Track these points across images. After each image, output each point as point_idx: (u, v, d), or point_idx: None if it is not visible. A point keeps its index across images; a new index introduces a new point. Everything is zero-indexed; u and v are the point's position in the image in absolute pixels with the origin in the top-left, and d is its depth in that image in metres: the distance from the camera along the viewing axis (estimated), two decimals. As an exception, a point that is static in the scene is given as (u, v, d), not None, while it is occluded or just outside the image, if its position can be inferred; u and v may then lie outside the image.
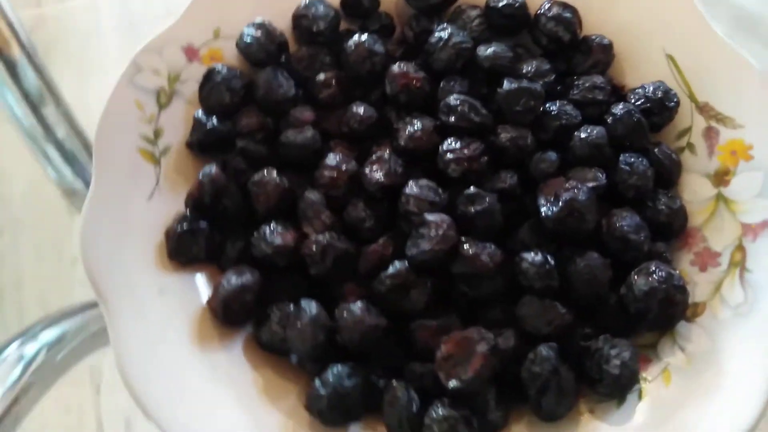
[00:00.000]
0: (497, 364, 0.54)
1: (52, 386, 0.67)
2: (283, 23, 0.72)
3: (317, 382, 0.54)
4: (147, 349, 0.57)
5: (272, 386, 0.59)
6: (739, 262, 0.59)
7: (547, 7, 0.70)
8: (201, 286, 0.63)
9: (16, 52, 0.83)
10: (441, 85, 0.67)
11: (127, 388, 0.55)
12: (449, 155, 0.61)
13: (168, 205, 0.65)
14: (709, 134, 0.65)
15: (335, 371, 0.54)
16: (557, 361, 0.54)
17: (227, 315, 0.59)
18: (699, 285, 0.60)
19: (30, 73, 0.85)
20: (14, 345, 0.64)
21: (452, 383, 0.53)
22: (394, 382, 0.55)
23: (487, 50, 0.67)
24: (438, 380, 0.54)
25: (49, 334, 0.68)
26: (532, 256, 0.56)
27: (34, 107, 0.86)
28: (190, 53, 0.71)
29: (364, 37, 0.69)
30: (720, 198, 0.63)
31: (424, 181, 0.61)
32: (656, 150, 0.64)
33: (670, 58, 0.68)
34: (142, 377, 0.55)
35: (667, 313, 0.56)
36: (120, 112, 0.67)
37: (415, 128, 0.64)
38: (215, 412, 0.55)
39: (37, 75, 0.86)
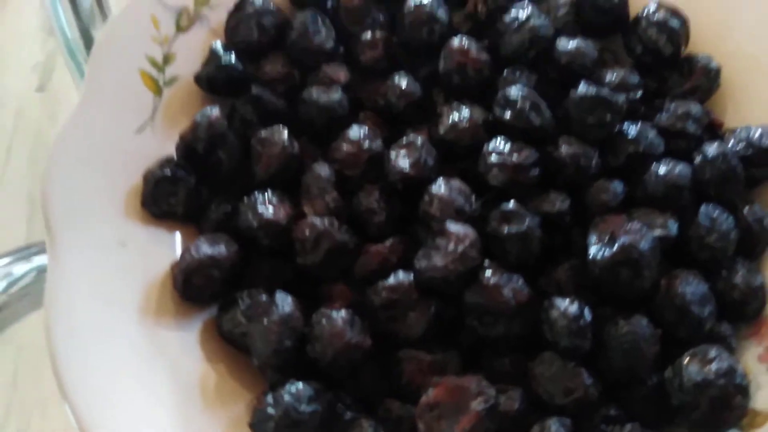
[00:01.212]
0: (493, 430, 0.43)
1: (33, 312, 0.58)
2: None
3: (268, 398, 0.44)
4: (84, 308, 0.47)
5: (223, 386, 0.49)
6: (822, 370, 0.47)
7: (651, 10, 0.58)
8: (173, 247, 0.54)
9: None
10: (504, 73, 0.56)
11: (48, 351, 0.45)
12: (493, 158, 0.50)
13: (158, 145, 0.56)
14: (818, 206, 0.53)
15: (293, 390, 0.44)
16: (567, 443, 0.43)
17: (187, 289, 0.49)
18: (764, 388, 0.48)
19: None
20: (4, 260, 0.57)
21: (431, 439, 0.42)
22: (363, 420, 0.45)
23: (569, 44, 0.56)
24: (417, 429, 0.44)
25: (42, 260, 0.60)
26: (566, 305, 0.45)
27: (82, 23, 0.80)
28: (230, -25, 0.61)
29: (428, -1, 0.58)
30: (812, 286, 0.51)
31: (456, 183, 0.50)
32: (746, 210, 0.52)
33: (789, 102, 0.56)
34: (68, 340, 0.46)
35: (718, 416, 0.45)
36: (130, 24, 0.58)
37: (461, 117, 0.53)
38: (142, 404, 0.46)
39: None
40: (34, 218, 0.75)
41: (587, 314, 0.46)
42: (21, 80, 0.85)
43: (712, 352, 0.45)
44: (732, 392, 0.44)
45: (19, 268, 0.57)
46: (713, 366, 0.45)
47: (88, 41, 0.77)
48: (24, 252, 0.59)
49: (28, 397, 0.67)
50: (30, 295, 0.57)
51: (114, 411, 0.45)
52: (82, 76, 0.75)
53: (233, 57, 0.56)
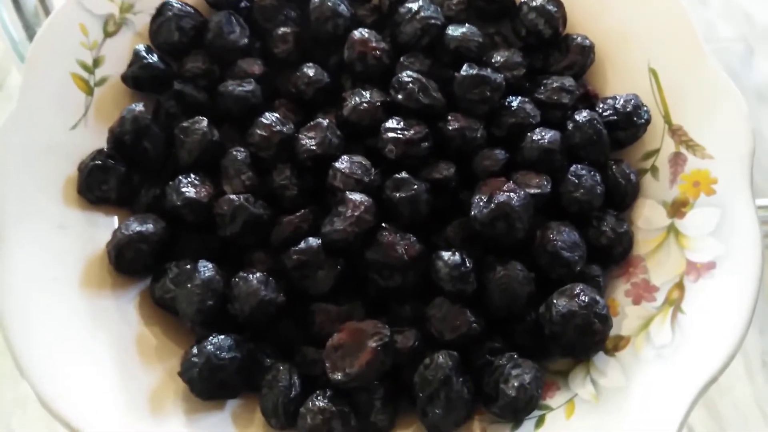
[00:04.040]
0: (388, 363, 0.50)
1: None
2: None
3: (194, 349, 0.51)
4: (30, 286, 0.53)
5: (158, 345, 0.55)
6: (675, 300, 0.55)
7: (531, -4, 0.65)
8: (111, 229, 0.59)
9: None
10: (400, 60, 0.63)
11: (1, 327, 0.51)
12: (389, 134, 0.57)
13: (91, 139, 0.61)
14: (676, 160, 0.61)
15: (215, 341, 0.51)
16: (452, 370, 0.50)
17: (119, 262, 0.55)
18: (628, 318, 0.56)
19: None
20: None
21: (336, 376, 0.49)
22: (280, 364, 0.52)
23: (456, 31, 0.63)
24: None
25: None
26: (449, 256, 0.52)
27: (28, 25, 0.85)
28: (150, -17, 0.67)
29: (332, -5, 0.64)
30: (672, 230, 0.58)
31: (357, 158, 0.57)
32: (614, 167, 0.60)
33: (653, 72, 0.63)
34: (17, 316, 0.51)
35: (582, 341, 0.52)
36: (61, 32, 0.63)
37: (361, 100, 0.60)
38: (88, 363, 0.52)
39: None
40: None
41: (468, 263, 0.52)
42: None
43: (578, 289, 0.52)
44: (592, 320, 0.51)
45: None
46: (578, 300, 0.52)
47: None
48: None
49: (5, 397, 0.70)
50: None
51: (63, 374, 0.51)
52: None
53: (155, 57, 0.62)
